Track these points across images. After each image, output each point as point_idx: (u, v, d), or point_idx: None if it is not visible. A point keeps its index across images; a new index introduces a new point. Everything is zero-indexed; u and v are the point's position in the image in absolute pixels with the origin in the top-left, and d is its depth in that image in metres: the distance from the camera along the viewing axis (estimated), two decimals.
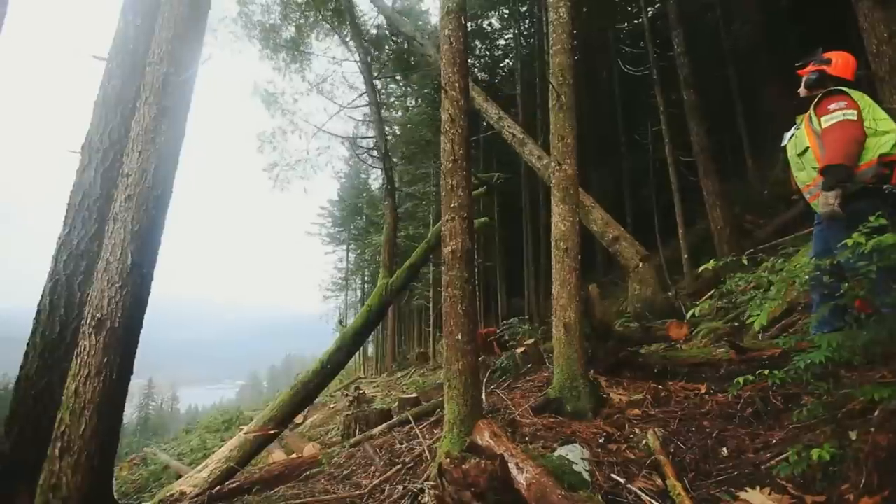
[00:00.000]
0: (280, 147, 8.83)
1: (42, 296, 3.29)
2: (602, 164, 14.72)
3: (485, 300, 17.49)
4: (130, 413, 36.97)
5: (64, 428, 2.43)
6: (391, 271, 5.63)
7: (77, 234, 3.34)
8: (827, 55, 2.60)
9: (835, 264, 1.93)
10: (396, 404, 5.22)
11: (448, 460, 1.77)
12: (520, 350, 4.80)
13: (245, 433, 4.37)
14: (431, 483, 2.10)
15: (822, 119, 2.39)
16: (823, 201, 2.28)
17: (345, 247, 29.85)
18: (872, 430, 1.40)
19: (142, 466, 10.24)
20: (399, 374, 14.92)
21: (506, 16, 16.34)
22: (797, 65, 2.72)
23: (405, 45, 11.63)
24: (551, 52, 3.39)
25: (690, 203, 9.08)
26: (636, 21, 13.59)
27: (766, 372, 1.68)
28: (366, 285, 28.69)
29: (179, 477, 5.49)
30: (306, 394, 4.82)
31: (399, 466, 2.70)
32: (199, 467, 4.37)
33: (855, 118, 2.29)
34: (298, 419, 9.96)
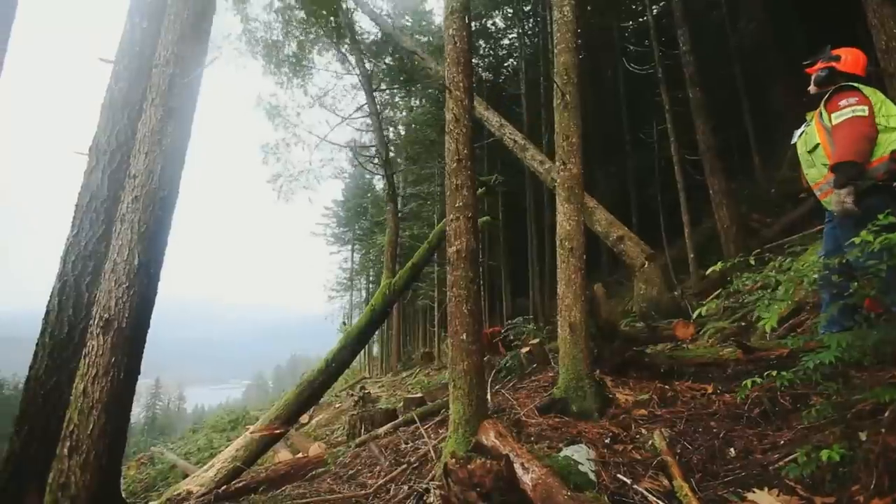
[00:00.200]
0: (283, 158, 8.93)
1: (51, 296, 3.33)
2: (607, 163, 14.67)
3: (489, 300, 17.51)
4: (138, 412, 37.34)
5: (72, 427, 2.45)
6: (394, 272, 5.81)
7: (85, 236, 3.38)
8: (836, 52, 2.57)
9: (844, 263, 1.90)
10: (402, 404, 5.23)
11: (453, 460, 1.76)
12: (525, 350, 4.79)
13: (251, 433, 4.40)
14: (437, 483, 2.10)
15: (833, 115, 2.36)
16: (836, 199, 2.24)
17: (349, 247, 29.94)
18: (883, 430, 1.38)
19: (149, 465, 10.35)
20: (404, 374, 14.93)
21: (510, 15, 16.32)
22: (805, 63, 2.69)
23: (406, 62, 11.66)
24: (555, 50, 3.38)
25: (696, 202, 9.00)
26: (641, 19, 13.54)
27: (775, 372, 1.66)
28: (370, 285, 28.79)
29: (186, 476, 5.54)
30: (311, 392, 4.86)
31: (404, 466, 2.71)
32: (205, 467, 4.40)
33: (866, 114, 2.26)
34: (304, 419, 10.01)
